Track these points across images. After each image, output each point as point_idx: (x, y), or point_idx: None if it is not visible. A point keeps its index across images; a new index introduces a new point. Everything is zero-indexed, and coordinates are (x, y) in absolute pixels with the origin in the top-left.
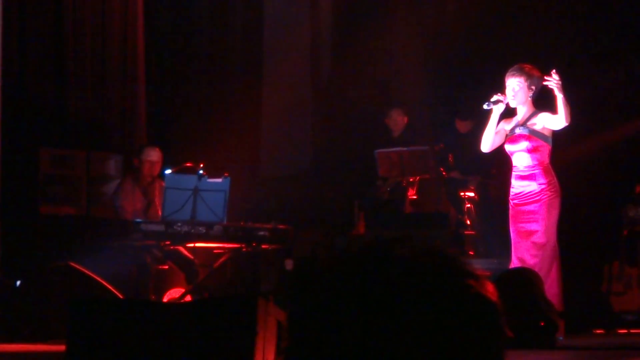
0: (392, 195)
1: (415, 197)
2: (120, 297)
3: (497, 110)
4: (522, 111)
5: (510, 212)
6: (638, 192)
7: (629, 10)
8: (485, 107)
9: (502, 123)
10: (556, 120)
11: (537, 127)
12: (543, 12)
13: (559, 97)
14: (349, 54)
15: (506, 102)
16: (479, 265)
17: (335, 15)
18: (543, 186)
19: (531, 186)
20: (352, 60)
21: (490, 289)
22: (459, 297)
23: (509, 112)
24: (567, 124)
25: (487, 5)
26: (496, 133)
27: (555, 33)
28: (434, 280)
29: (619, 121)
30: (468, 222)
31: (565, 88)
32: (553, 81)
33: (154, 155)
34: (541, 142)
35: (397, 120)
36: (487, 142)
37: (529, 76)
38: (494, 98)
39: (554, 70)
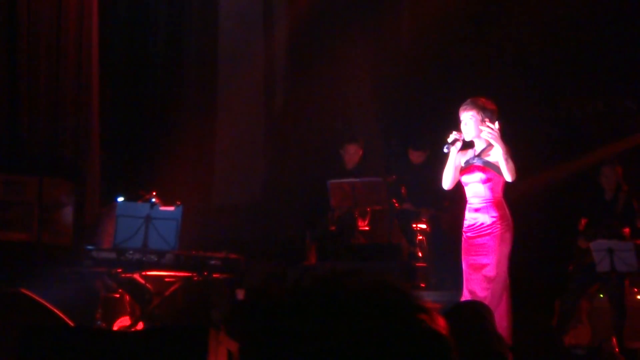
0: (343, 226)
1: (367, 228)
2: (71, 324)
3: (456, 148)
4: (478, 143)
5: (463, 244)
6: (583, 225)
7: (576, 54)
8: (445, 150)
9: (458, 156)
10: (503, 172)
11: (491, 159)
12: (495, 47)
13: (497, 150)
14: (303, 84)
15: (462, 137)
16: (431, 298)
17: (288, 46)
18: (495, 219)
19: (483, 218)
20: (305, 91)
21: (441, 323)
22: (411, 331)
23: (466, 145)
24: (511, 181)
25: (440, 38)
26: (455, 168)
27: (507, 68)
28: (386, 315)
29: (566, 158)
30: (420, 254)
31: (514, 124)
32: (487, 131)
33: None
34: (495, 174)
35: (352, 153)
36: (448, 179)
37: (481, 109)
38: (451, 138)
39: (487, 121)
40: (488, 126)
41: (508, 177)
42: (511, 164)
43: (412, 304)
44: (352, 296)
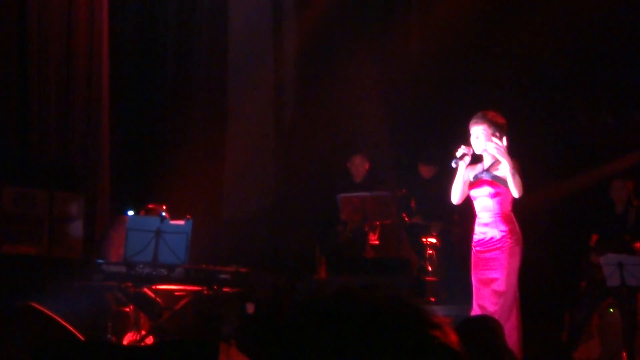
0: (353, 240)
1: (377, 242)
2: (82, 338)
3: (464, 162)
4: (487, 157)
5: (472, 259)
6: (594, 242)
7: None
8: (453, 165)
9: (467, 170)
10: (510, 187)
11: (500, 174)
12: (504, 61)
13: (504, 165)
14: (312, 98)
15: (472, 152)
16: (440, 312)
17: (298, 60)
18: (504, 233)
19: (493, 233)
20: (315, 105)
21: (453, 339)
22: (424, 347)
23: (475, 159)
24: (518, 196)
25: (449, 52)
26: (464, 183)
27: (516, 81)
28: (400, 331)
29: (577, 171)
30: (430, 268)
31: (523, 138)
32: (492, 146)
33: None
34: (503, 189)
35: (359, 166)
36: (457, 194)
37: (491, 123)
38: (459, 153)
39: (497, 135)
40: (494, 142)
41: (515, 193)
42: (518, 179)
43: (425, 320)
44: (366, 312)
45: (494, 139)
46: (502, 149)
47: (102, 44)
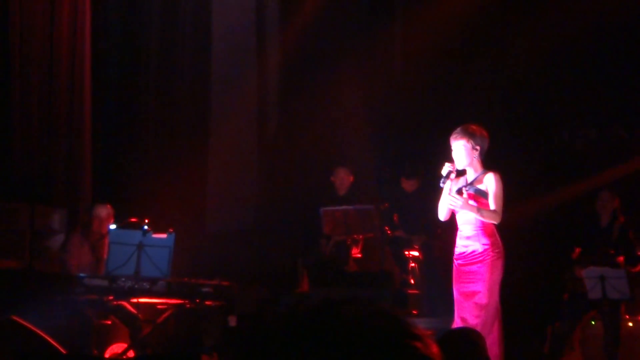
0: (336, 253)
1: (359, 255)
2: (64, 352)
3: (450, 180)
4: (470, 171)
5: (454, 271)
6: (577, 254)
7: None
8: (441, 184)
9: (452, 184)
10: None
11: (482, 187)
12: (488, 75)
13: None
14: (295, 111)
15: (455, 167)
16: (422, 325)
17: (282, 73)
18: (486, 246)
19: (474, 246)
20: (298, 118)
21: (435, 351)
22: (405, 358)
23: (459, 173)
24: (495, 223)
25: (433, 65)
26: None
27: (499, 95)
28: (382, 342)
29: (560, 185)
30: (412, 282)
31: (506, 151)
32: (449, 202)
33: (104, 211)
34: (486, 202)
35: (343, 178)
36: (444, 210)
37: (471, 137)
38: (445, 170)
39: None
40: (452, 197)
41: (492, 222)
42: (487, 215)
43: (406, 331)
44: (347, 324)
45: (452, 195)
46: (459, 204)
47: (84, 55)
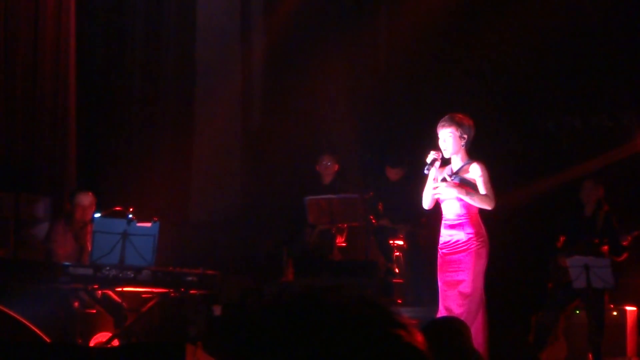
0: (320, 242)
1: (344, 244)
2: (48, 340)
3: (435, 167)
4: (456, 160)
5: (438, 261)
6: (561, 243)
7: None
8: (425, 172)
9: (436, 173)
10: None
11: (468, 176)
12: (472, 63)
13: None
14: (280, 101)
15: (441, 156)
16: (407, 314)
17: (266, 62)
18: (470, 235)
19: (459, 235)
20: (282, 107)
21: (419, 339)
22: (390, 346)
23: (444, 161)
24: (490, 209)
25: (417, 55)
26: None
27: (484, 84)
28: (365, 330)
29: (544, 175)
30: (397, 271)
31: (491, 141)
32: (433, 191)
33: (86, 200)
34: (471, 191)
35: (328, 166)
36: (428, 199)
37: (459, 125)
38: (430, 158)
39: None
40: (436, 187)
41: (486, 208)
42: (479, 199)
43: (390, 319)
44: (331, 312)
45: (437, 183)
46: (442, 190)
47: (69, 46)
